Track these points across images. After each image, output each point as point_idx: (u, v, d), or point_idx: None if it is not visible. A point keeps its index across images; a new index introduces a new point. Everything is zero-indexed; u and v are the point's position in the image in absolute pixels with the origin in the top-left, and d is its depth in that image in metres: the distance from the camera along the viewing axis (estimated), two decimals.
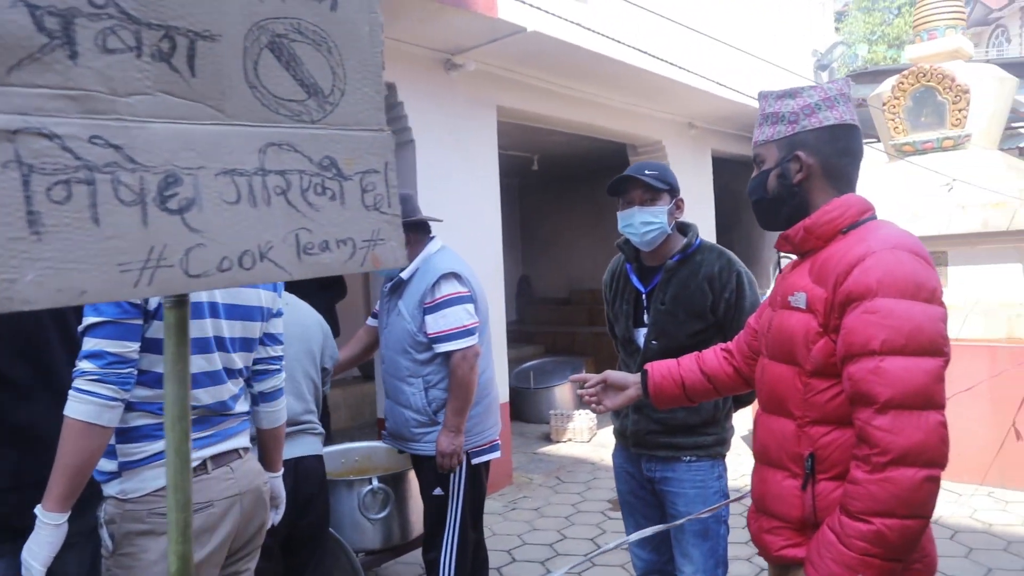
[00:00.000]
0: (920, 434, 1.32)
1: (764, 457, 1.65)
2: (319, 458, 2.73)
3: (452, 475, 2.94)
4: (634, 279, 2.53)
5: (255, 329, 2.00)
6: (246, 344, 1.98)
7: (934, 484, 1.33)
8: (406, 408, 2.94)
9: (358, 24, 1.00)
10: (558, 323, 10.46)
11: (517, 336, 10.67)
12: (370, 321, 3.39)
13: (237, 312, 1.93)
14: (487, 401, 3.04)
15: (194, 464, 1.81)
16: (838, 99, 1.62)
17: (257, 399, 2.10)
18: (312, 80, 0.95)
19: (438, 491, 2.95)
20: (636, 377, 2.08)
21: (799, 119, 1.60)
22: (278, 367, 2.13)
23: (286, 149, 0.92)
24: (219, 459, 1.87)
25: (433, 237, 3.04)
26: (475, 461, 2.99)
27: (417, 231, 2.98)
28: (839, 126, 1.59)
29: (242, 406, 1.99)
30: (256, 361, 2.05)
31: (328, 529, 2.90)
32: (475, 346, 2.87)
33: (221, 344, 1.89)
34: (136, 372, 1.73)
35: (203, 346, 1.85)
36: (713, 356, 2.02)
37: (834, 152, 1.59)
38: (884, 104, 5.79)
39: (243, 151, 0.88)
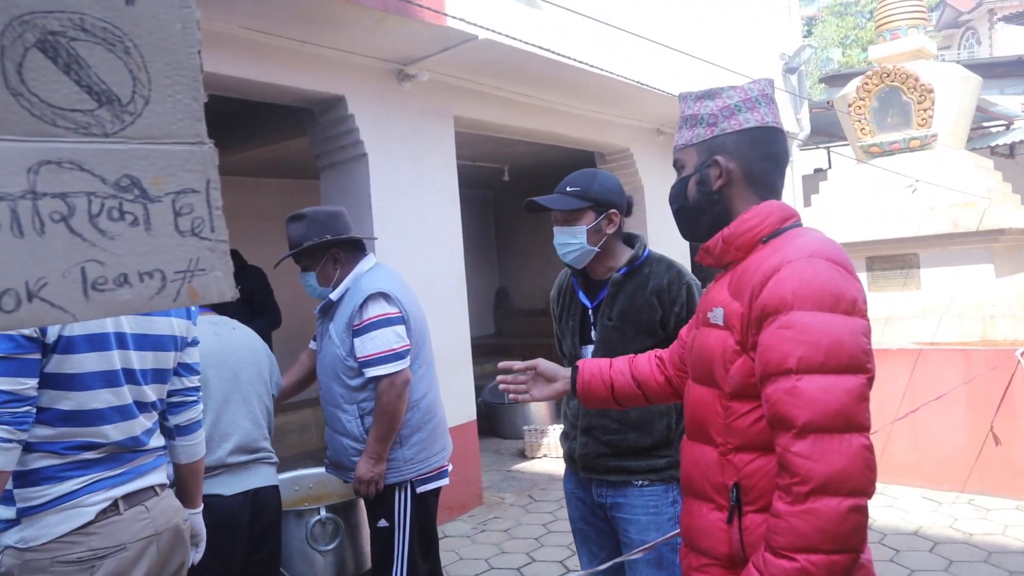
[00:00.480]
0: (842, 460, 1.20)
1: (689, 488, 1.52)
2: (275, 489, 2.63)
3: (396, 505, 2.79)
4: (580, 294, 2.40)
5: (168, 359, 1.91)
6: (159, 375, 1.89)
7: (860, 515, 1.21)
8: (343, 436, 2.79)
9: (165, 21, 0.86)
10: (536, 335, 10.31)
11: (494, 349, 10.51)
12: (312, 344, 3.23)
13: (147, 342, 1.84)
14: (431, 426, 2.87)
15: (104, 505, 1.70)
16: (759, 100, 1.51)
17: (173, 432, 2.01)
18: (103, 86, 0.80)
19: (383, 523, 2.80)
20: (567, 371, 1.96)
21: (718, 121, 1.49)
22: (195, 398, 2.04)
23: (68, 168, 0.78)
24: (132, 498, 1.77)
25: (368, 255, 2.89)
26: (420, 490, 2.83)
27: (350, 250, 2.82)
28: (760, 128, 1.49)
29: (157, 441, 1.90)
30: (171, 393, 1.97)
31: (279, 563, 2.77)
32: (404, 371, 2.70)
33: (131, 376, 1.80)
34: (34, 410, 1.63)
35: (111, 379, 1.75)
36: (646, 362, 1.90)
37: (755, 156, 1.48)
38: (850, 105, 5.71)
39: (3, 171, 0.73)
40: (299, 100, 4.41)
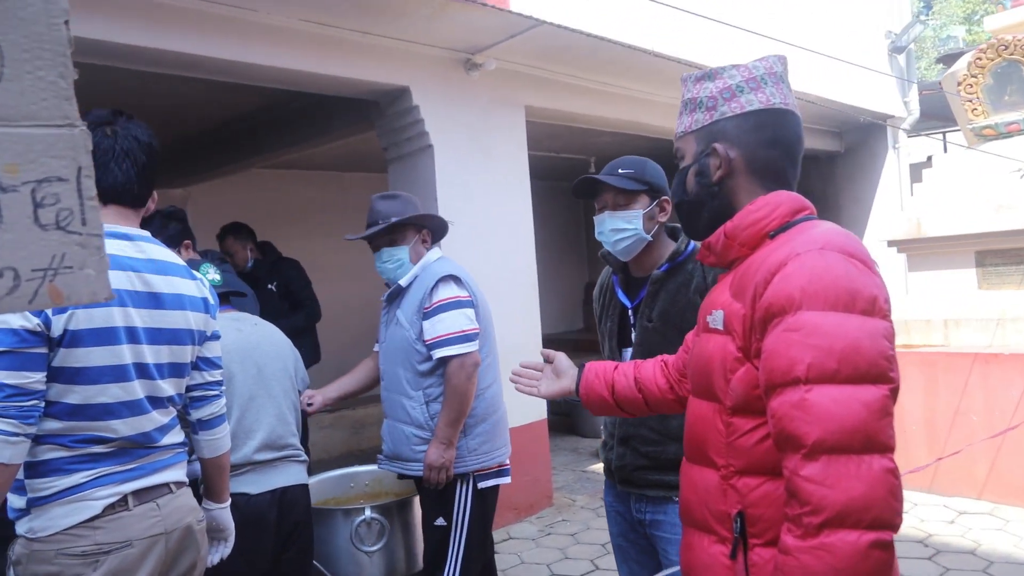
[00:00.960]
0: (861, 486, 1.01)
1: (688, 517, 1.34)
2: (304, 488, 2.60)
3: (456, 502, 2.72)
4: (620, 293, 2.22)
5: (185, 353, 1.87)
6: (176, 370, 1.85)
7: (885, 552, 1.01)
8: (406, 424, 2.74)
9: None
10: None
11: (582, 345, 10.33)
12: (377, 346, 3.17)
13: (162, 336, 1.80)
14: (495, 418, 2.83)
15: (113, 500, 1.67)
16: (765, 79, 1.33)
17: (196, 427, 1.99)
18: None
19: (440, 521, 2.73)
20: (575, 370, 1.85)
21: (718, 104, 1.34)
22: (216, 392, 2.01)
23: None
24: (143, 495, 1.74)
25: (435, 247, 2.90)
26: (481, 485, 2.76)
27: (434, 235, 2.87)
28: (766, 111, 1.32)
29: (174, 437, 1.86)
30: (192, 387, 1.94)
31: (312, 562, 2.73)
32: (474, 354, 2.68)
33: (143, 371, 1.76)
34: (42, 404, 1.61)
35: (119, 374, 1.71)
36: (651, 365, 1.76)
37: (760, 142, 1.32)
38: (959, 84, 5.21)
39: None
40: (364, 92, 4.38)
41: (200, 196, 7.12)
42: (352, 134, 5.08)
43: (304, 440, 3.41)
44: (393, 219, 2.74)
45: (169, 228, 3.20)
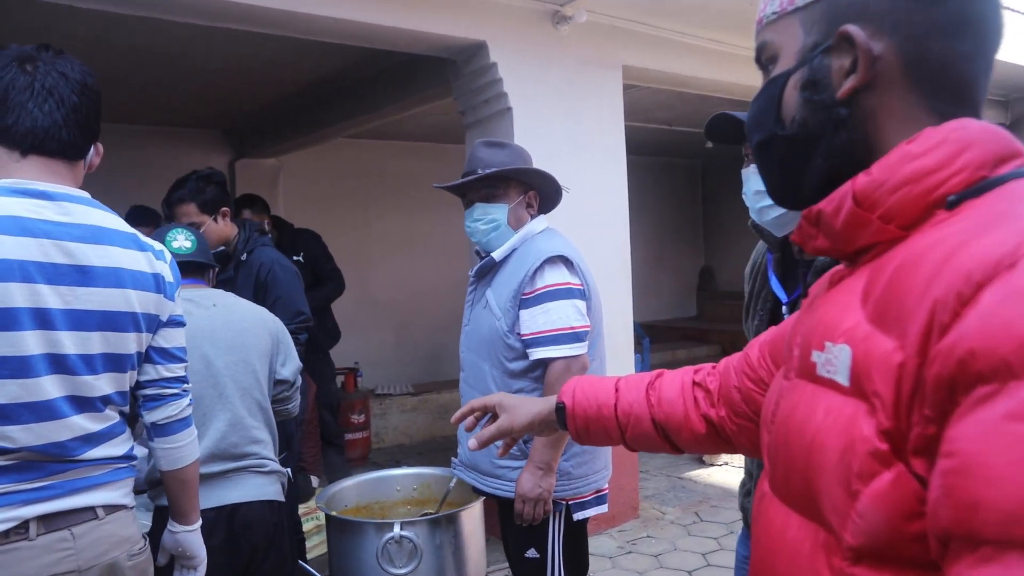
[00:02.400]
0: None
1: None
2: (268, 505, 2.15)
3: (551, 531, 2.24)
4: (773, 280, 1.69)
5: (126, 342, 1.53)
6: (114, 362, 1.51)
7: None
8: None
9: None
10: (739, 320, 9.31)
11: (694, 333, 9.68)
12: None
13: (88, 321, 1.46)
14: None
15: (6, 526, 1.35)
16: None
17: (150, 433, 1.68)
18: None
19: (532, 553, 2.26)
20: (551, 411, 1.30)
21: None
22: (176, 391, 1.67)
23: None
24: (53, 521, 1.41)
25: (540, 216, 2.37)
26: (577, 516, 2.28)
27: (543, 200, 2.34)
28: None
29: (111, 448, 1.52)
30: (144, 384, 1.63)
31: None
32: (583, 356, 2.15)
33: (60, 364, 1.43)
34: None
35: (16, 368, 1.38)
36: (678, 391, 1.19)
37: (933, 26, 0.73)
38: None
39: None
40: (439, 49, 3.93)
41: (293, 166, 6.96)
42: (432, 98, 4.66)
43: (287, 446, 3.02)
44: (494, 168, 2.21)
45: (206, 192, 2.90)
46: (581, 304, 2.19)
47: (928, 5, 0.73)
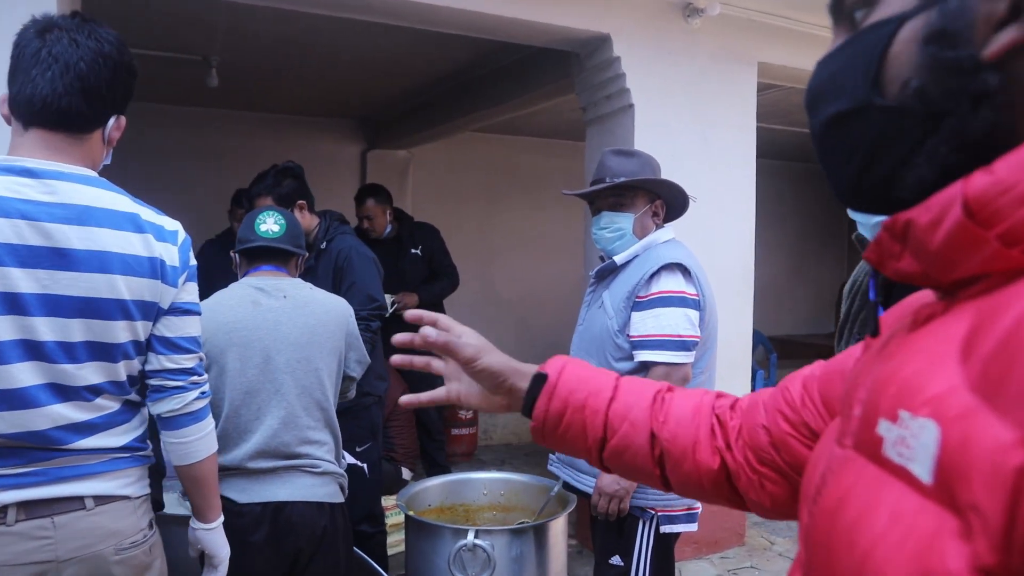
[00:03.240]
0: None
1: None
2: (317, 506, 2.08)
3: (638, 540, 2.28)
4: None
5: (113, 330, 1.45)
6: (100, 351, 1.44)
7: None
8: None
9: None
10: None
11: (825, 352, 8.99)
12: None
13: (66, 306, 1.39)
14: None
15: None
16: None
17: (159, 425, 1.61)
18: None
19: (616, 560, 2.31)
20: (526, 373, 1.01)
21: None
22: (181, 384, 1.57)
23: None
24: (35, 508, 1.37)
25: (667, 227, 2.43)
26: (664, 529, 2.29)
27: (670, 211, 2.40)
28: None
29: (106, 439, 1.46)
30: (149, 374, 1.55)
31: None
32: (686, 366, 2.20)
33: (36, 351, 1.38)
34: None
35: None
36: (690, 416, 0.95)
37: None
38: None
39: None
40: (559, 41, 3.80)
41: (424, 159, 7.05)
42: (556, 94, 4.54)
43: (371, 435, 2.96)
44: (622, 179, 2.27)
45: (283, 185, 2.94)
46: (693, 314, 2.21)
47: None
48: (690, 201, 2.43)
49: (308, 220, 3.03)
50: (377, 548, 3.05)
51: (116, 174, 5.75)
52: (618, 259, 2.30)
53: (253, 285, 2.10)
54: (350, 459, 2.35)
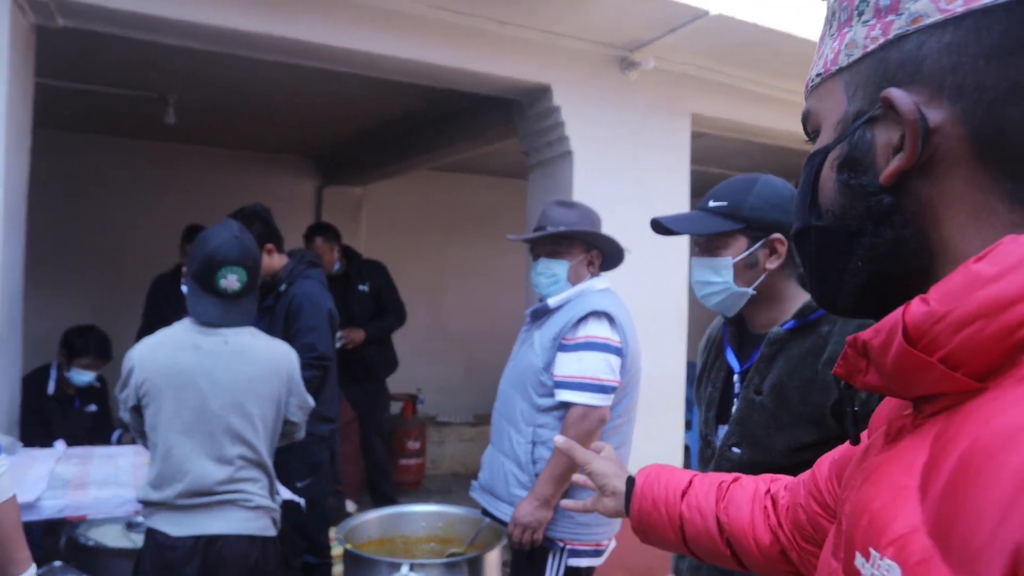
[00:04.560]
0: None
1: None
2: (248, 540, 2.13)
3: (548, 570, 2.40)
4: (728, 351, 1.71)
5: None
6: None
7: None
8: (507, 458, 2.44)
9: None
10: None
11: None
12: None
13: None
14: None
15: None
16: None
17: None
18: None
19: None
20: (621, 484, 1.25)
21: (902, 2, 0.59)
22: None
23: None
24: None
25: (602, 276, 2.56)
26: (572, 562, 2.40)
27: (605, 261, 2.52)
28: (1016, 8, 0.55)
29: None
30: None
31: None
32: (603, 409, 2.29)
33: None
34: None
35: None
36: (747, 502, 1.08)
37: (1010, 88, 0.55)
38: None
39: None
40: (504, 90, 3.98)
41: (378, 196, 7.17)
42: (500, 138, 4.72)
43: (312, 472, 3.02)
44: (561, 228, 2.41)
45: (252, 229, 2.98)
46: (615, 360, 2.33)
47: (1006, 59, 0.55)
48: (625, 253, 2.58)
49: (276, 261, 3.10)
50: None
51: (71, 205, 5.77)
52: (551, 302, 2.42)
53: (196, 329, 2.17)
54: (287, 494, 2.42)
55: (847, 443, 0.86)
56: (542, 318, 2.48)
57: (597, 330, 2.33)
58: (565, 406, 2.32)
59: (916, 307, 0.54)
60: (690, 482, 1.15)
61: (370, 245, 7.06)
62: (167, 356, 2.10)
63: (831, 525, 0.82)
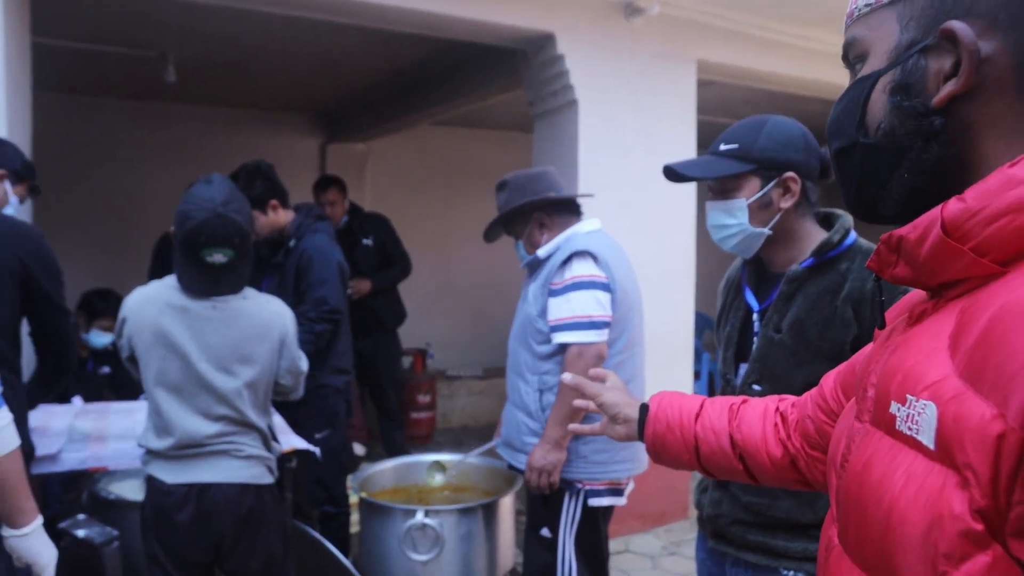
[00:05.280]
0: None
1: None
2: (241, 488, 2.11)
3: (564, 512, 2.42)
4: (746, 291, 1.74)
5: None
6: None
7: None
8: (519, 409, 2.49)
9: None
10: None
11: None
12: None
13: None
14: None
15: None
16: None
17: None
18: None
19: (545, 532, 2.45)
20: (635, 409, 1.31)
21: None
22: None
23: None
24: None
25: (589, 220, 2.58)
26: (591, 503, 2.43)
27: (557, 212, 2.52)
28: None
29: None
30: None
31: None
32: (598, 344, 2.35)
33: None
34: None
35: None
36: (759, 418, 1.18)
37: None
38: None
39: None
40: (508, 40, 3.93)
41: (382, 152, 7.13)
42: (505, 89, 4.67)
43: (330, 424, 3.04)
44: (495, 219, 2.59)
45: (255, 187, 2.97)
46: (603, 296, 2.36)
47: None
48: (576, 192, 2.71)
49: (282, 216, 3.07)
50: (340, 529, 3.15)
51: (76, 169, 5.77)
52: (541, 252, 2.49)
53: (175, 295, 2.12)
54: (303, 444, 2.45)
55: (849, 361, 1.03)
56: (536, 269, 2.54)
57: (581, 269, 2.36)
58: (564, 349, 2.36)
59: (954, 204, 0.64)
60: (701, 405, 1.24)
61: (375, 201, 7.03)
62: (154, 316, 2.06)
63: (832, 427, 0.99)
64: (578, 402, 1.38)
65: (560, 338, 2.35)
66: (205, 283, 2.07)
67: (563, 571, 2.41)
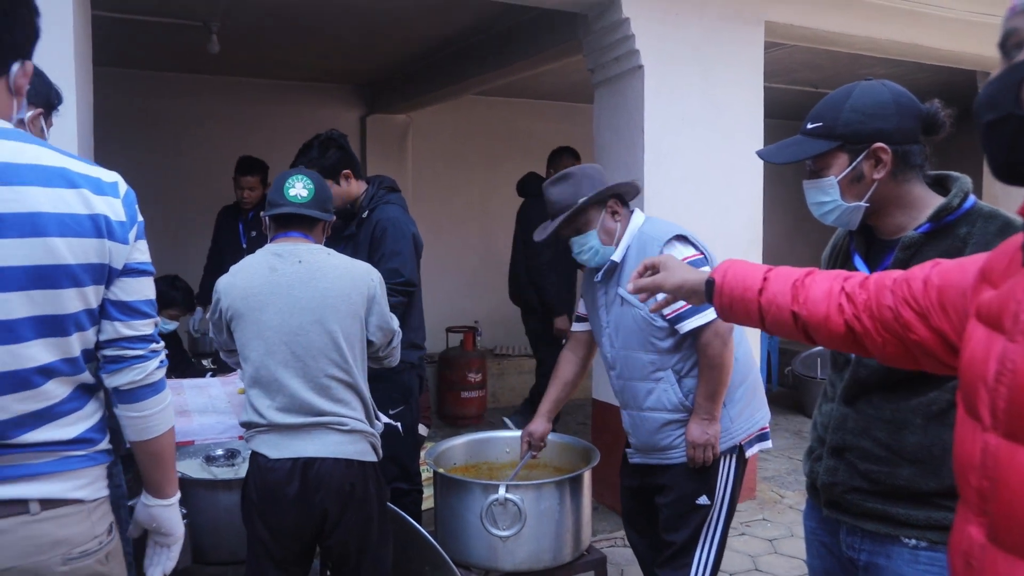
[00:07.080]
0: None
1: None
2: (345, 463, 2.10)
3: (720, 478, 2.48)
4: (856, 259, 1.69)
5: (64, 300, 1.28)
6: (49, 325, 1.27)
7: None
8: (658, 411, 2.47)
9: None
10: None
11: None
12: (576, 327, 2.85)
13: (9, 279, 1.22)
14: (752, 379, 2.59)
15: None
16: None
17: (114, 399, 1.44)
18: None
19: (703, 500, 2.48)
20: (699, 284, 1.51)
21: None
22: (140, 352, 1.41)
23: None
24: None
25: (635, 210, 2.57)
26: (749, 452, 2.56)
27: (623, 204, 2.52)
28: None
29: (55, 431, 1.30)
30: (103, 344, 1.38)
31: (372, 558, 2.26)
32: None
33: None
34: None
35: None
36: (823, 298, 1.31)
37: None
38: None
39: None
40: (567, 3, 3.80)
41: (423, 124, 7.03)
42: (563, 55, 4.55)
43: (404, 399, 3.00)
44: (568, 211, 2.45)
45: (327, 156, 2.92)
46: (707, 270, 2.28)
47: None
48: (637, 183, 2.64)
49: (355, 187, 3.01)
50: (412, 505, 3.11)
51: (116, 143, 5.73)
52: (615, 256, 2.46)
53: (272, 251, 2.18)
54: (385, 419, 2.40)
55: (942, 271, 1.18)
56: (614, 274, 2.51)
57: (681, 253, 2.37)
58: (690, 336, 2.37)
59: None
60: (765, 279, 1.38)
61: (416, 174, 6.95)
62: (245, 280, 2.13)
63: (924, 327, 1.16)
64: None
65: (689, 325, 2.34)
66: (292, 220, 2.20)
67: (710, 532, 2.48)
